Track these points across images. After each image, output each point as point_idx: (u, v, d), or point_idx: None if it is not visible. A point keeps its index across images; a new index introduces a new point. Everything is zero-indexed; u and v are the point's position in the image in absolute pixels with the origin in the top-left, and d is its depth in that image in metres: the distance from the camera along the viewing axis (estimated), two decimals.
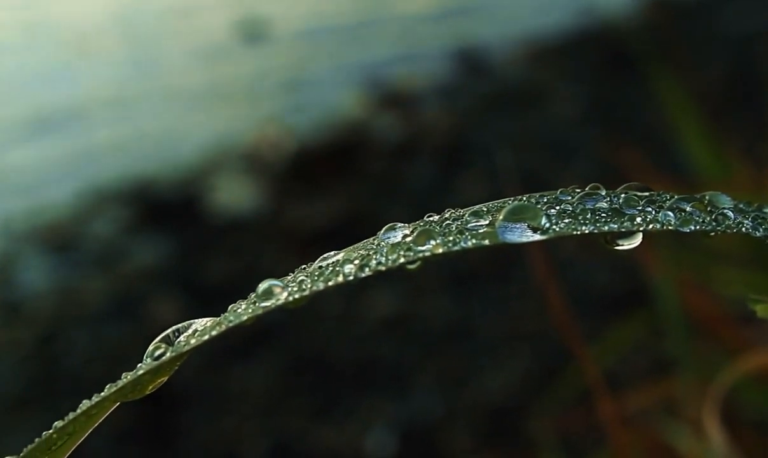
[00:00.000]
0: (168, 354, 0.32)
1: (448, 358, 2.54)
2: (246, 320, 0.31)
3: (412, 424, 2.32)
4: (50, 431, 0.32)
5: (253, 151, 4.10)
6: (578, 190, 0.35)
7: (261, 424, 2.39)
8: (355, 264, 0.31)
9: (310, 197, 3.53)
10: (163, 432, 2.40)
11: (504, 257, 2.84)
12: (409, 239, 0.32)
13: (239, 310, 0.32)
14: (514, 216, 0.32)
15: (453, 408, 2.35)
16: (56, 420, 0.33)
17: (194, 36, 5.95)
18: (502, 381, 2.39)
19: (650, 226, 0.33)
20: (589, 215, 0.33)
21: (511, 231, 0.32)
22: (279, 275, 0.34)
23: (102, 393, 0.32)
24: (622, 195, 0.34)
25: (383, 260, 0.31)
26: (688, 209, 0.34)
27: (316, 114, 4.46)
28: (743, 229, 0.34)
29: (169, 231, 3.52)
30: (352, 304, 2.80)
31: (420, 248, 0.31)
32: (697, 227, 0.34)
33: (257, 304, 0.32)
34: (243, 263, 3.17)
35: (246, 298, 0.33)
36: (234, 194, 3.78)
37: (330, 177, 3.70)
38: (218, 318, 0.33)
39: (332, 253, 0.33)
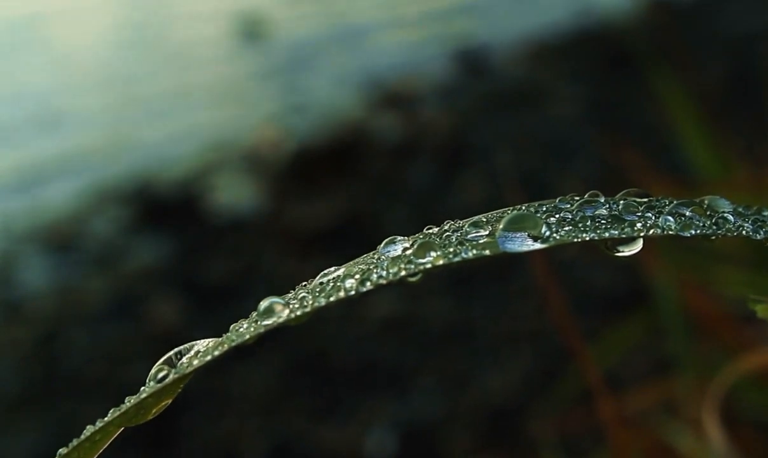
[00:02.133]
0: (171, 376, 0.32)
1: (449, 358, 2.54)
2: (248, 340, 0.31)
3: (413, 424, 2.32)
4: None
5: (253, 151, 4.10)
6: (577, 197, 0.35)
7: (261, 425, 2.39)
8: (356, 279, 0.31)
9: (309, 197, 3.53)
10: (163, 432, 2.40)
11: (504, 259, 2.83)
12: (409, 252, 0.32)
13: (241, 329, 0.32)
14: (514, 226, 0.32)
15: (453, 409, 2.35)
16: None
17: (194, 35, 5.95)
18: (502, 382, 2.39)
19: (650, 231, 0.33)
20: (589, 223, 0.33)
21: (511, 241, 0.32)
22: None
23: (105, 418, 0.32)
24: (621, 201, 0.34)
25: (384, 273, 0.31)
26: (687, 213, 0.34)
27: (316, 114, 4.46)
28: (743, 232, 0.34)
29: (169, 231, 3.52)
30: (352, 305, 2.80)
31: (420, 260, 0.31)
32: (698, 232, 0.33)
33: (259, 322, 0.32)
34: (243, 263, 3.17)
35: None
36: (234, 194, 3.78)
37: (330, 177, 3.70)
38: (220, 339, 0.33)
39: (332, 268, 0.33)
